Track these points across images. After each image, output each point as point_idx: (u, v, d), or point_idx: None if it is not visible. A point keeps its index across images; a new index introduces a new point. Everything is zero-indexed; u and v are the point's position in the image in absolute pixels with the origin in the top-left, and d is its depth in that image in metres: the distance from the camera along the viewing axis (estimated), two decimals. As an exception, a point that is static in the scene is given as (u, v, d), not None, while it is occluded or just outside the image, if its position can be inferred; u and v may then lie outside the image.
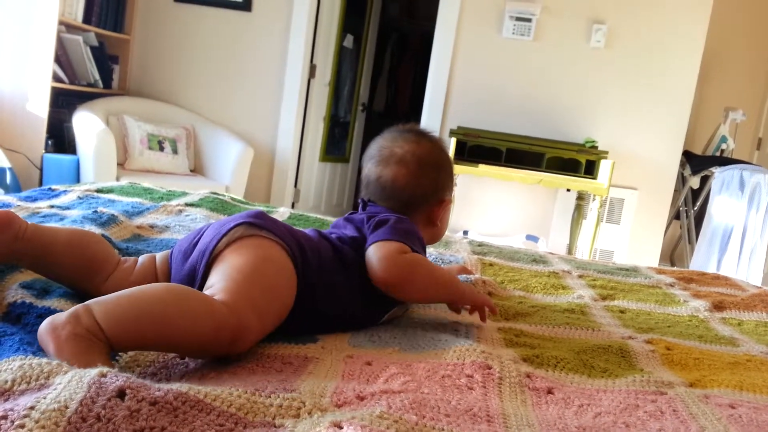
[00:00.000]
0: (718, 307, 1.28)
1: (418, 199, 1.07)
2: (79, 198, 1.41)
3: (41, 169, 3.34)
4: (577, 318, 1.12)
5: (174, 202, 1.48)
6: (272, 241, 0.84)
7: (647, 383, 0.83)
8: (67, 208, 1.30)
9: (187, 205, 1.48)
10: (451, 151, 3.33)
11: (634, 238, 3.82)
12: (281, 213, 1.60)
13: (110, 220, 1.18)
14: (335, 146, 4.76)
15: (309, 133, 4.27)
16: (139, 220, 1.29)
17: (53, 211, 1.24)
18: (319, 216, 1.68)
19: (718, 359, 0.97)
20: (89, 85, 3.69)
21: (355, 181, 5.06)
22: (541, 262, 1.53)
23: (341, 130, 4.84)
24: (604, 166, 3.41)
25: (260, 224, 0.85)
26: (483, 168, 3.36)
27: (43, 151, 3.35)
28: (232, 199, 1.67)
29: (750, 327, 1.18)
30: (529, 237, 3.89)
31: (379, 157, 1.08)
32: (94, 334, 0.64)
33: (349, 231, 1.00)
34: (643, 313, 1.22)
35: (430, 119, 3.89)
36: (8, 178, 3.16)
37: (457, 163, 3.24)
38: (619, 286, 1.40)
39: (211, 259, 0.82)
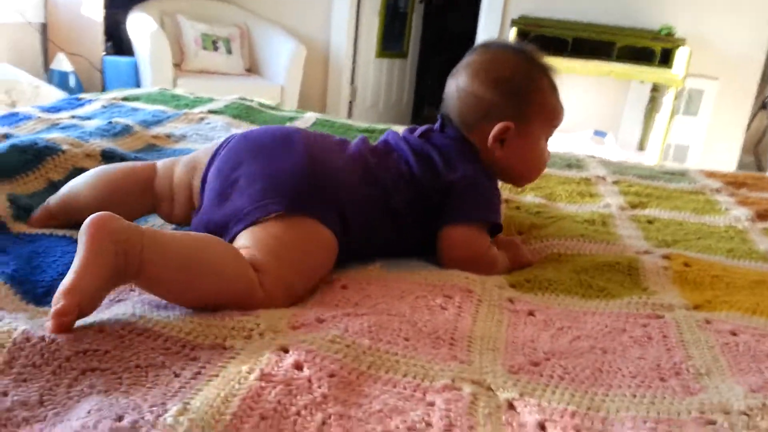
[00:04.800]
0: (762, 216, 1.18)
1: (469, 116, 0.93)
2: (103, 107, 1.42)
3: (102, 72, 3.42)
4: (596, 230, 1.05)
5: (197, 110, 1.48)
6: (315, 220, 0.78)
7: (644, 305, 0.78)
8: (88, 118, 1.32)
9: (210, 112, 1.47)
10: (510, 43, 3.14)
11: (713, 131, 3.55)
12: (306, 119, 1.57)
13: (123, 131, 1.19)
14: (392, 41, 4.58)
15: (363, 27, 4.12)
16: (157, 130, 1.29)
17: (73, 122, 1.26)
18: (346, 121, 1.64)
19: (741, 277, 0.90)
20: (143, -16, 3.66)
21: (415, 79, 4.89)
22: (575, 166, 1.44)
23: (399, 24, 4.63)
24: (680, 55, 3.14)
25: (302, 208, 0.77)
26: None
27: (103, 53, 3.40)
28: (260, 105, 1.65)
29: (793, 240, 1.08)
30: (597, 132, 3.70)
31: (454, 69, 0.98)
32: (132, 254, 0.61)
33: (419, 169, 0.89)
34: (673, 222, 1.14)
35: (490, 9, 3.65)
36: (72, 82, 3.26)
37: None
38: (656, 192, 1.30)
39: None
